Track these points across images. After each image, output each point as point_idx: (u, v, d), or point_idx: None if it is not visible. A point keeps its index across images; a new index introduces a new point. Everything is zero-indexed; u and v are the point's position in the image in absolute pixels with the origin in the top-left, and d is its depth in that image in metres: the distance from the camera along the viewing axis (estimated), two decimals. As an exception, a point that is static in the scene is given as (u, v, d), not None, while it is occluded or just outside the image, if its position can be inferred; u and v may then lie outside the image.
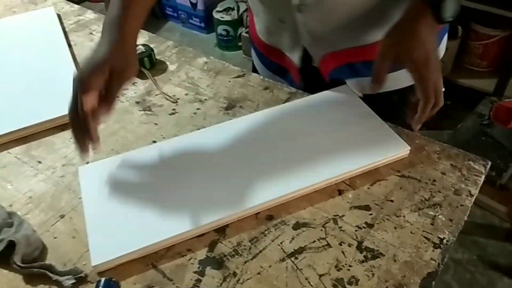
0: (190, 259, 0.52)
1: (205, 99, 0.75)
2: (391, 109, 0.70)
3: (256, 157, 0.61)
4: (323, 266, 0.50)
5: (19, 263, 0.50)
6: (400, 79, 0.69)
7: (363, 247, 0.52)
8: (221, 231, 0.54)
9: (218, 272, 0.50)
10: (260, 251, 0.52)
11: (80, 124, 0.53)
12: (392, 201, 0.57)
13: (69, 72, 0.78)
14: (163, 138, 0.68)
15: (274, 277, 0.50)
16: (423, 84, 0.57)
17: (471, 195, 0.58)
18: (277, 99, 0.74)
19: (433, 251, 0.51)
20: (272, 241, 0.53)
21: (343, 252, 0.52)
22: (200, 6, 2.51)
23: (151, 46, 0.83)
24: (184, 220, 0.54)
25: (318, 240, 0.53)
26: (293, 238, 0.53)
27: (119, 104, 0.73)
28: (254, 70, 0.89)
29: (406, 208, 0.56)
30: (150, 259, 0.52)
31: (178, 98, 0.75)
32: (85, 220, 0.54)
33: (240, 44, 2.42)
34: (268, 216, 0.56)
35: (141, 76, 0.79)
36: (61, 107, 0.70)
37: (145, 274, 0.50)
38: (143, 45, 0.82)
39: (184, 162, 0.61)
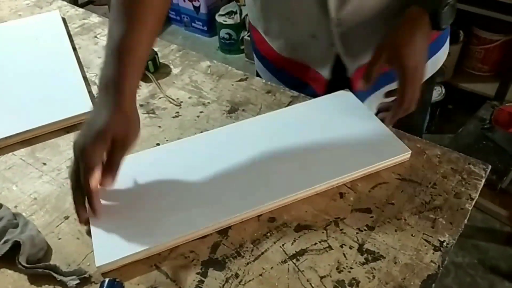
0: (192, 261, 0.52)
1: (208, 103, 0.76)
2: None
3: (258, 160, 0.62)
4: (324, 268, 0.51)
5: (24, 264, 0.51)
6: None
7: (364, 250, 0.53)
8: (224, 233, 0.55)
9: (220, 273, 0.51)
10: (262, 253, 0.53)
11: (81, 191, 0.52)
12: (393, 204, 0.58)
13: (74, 75, 0.80)
14: (167, 140, 0.68)
15: (276, 279, 0.50)
16: (405, 90, 0.61)
17: (471, 199, 0.58)
18: (279, 102, 0.75)
19: (433, 253, 0.52)
20: (274, 243, 0.54)
21: (344, 254, 0.52)
22: (203, 10, 2.53)
23: (155, 49, 0.84)
24: (187, 222, 0.54)
25: (320, 242, 0.54)
26: (294, 240, 0.54)
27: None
28: (257, 75, 0.90)
29: (407, 211, 0.57)
30: (153, 260, 0.52)
31: (181, 101, 0.76)
32: (90, 221, 0.55)
33: (242, 47, 2.43)
34: (270, 218, 0.56)
35: (145, 79, 0.80)
36: (65, 110, 0.71)
37: (148, 275, 0.51)
38: (147, 48, 0.83)
39: (187, 164, 0.62)
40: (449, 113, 1.98)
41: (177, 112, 0.74)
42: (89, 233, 0.55)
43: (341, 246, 0.53)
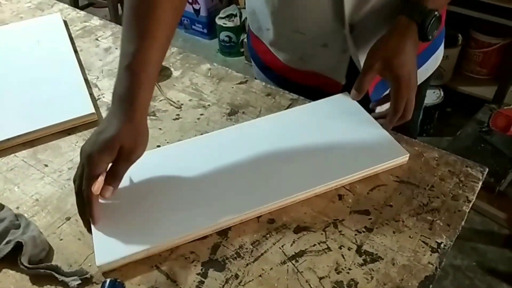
0: (193, 261, 0.53)
1: (209, 105, 0.76)
2: None
3: (258, 161, 0.62)
4: (323, 269, 0.52)
5: (26, 264, 0.51)
6: None
7: (363, 251, 0.53)
8: (224, 234, 0.56)
9: (220, 274, 0.52)
10: (262, 254, 0.53)
11: (84, 197, 0.53)
12: (391, 206, 0.58)
13: (75, 77, 0.80)
14: (167, 142, 0.69)
15: (275, 280, 0.51)
16: (398, 98, 0.63)
17: (469, 201, 0.59)
18: (279, 105, 0.75)
19: (430, 255, 0.53)
20: (274, 244, 0.54)
21: (342, 255, 0.53)
22: (203, 13, 2.54)
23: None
24: (187, 222, 0.55)
25: (319, 243, 0.54)
26: (294, 242, 0.54)
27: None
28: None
29: (405, 213, 0.57)
30: (154, 261, 0.53)
31: (182, 104, 0.77)
32: (91, 221, 0.55)
33: (242, 50, 2.44)
34: (270, 220, 0.57)
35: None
36: (67, 112, 0.72)
37: (149, 276, 0.52)
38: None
39: (188, 165, 0.63)
40: (448, 116, 1.99)
41: (178, 115, 0.74)
42: (90, 233, 0.55)
43: (340, 248, 0.54)
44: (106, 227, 0.55)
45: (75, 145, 0.69)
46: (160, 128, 0.72)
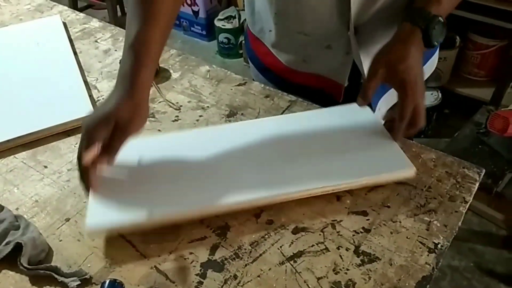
0: (192, 262, 0.53)
1: (208, 107, 0.77)
2: None
3: (263, 156, 0.63)
4: (321, 270, 0.52)
5: (25, 265, 0.51)
6: None
7: (360, 251, 0.54)
8: (223, 235, 0.56)
9: (219, 274, 0.52)
10: (260, 255, 0.54)
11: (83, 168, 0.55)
12: (388, 206, 0.59)
13: (75, 79, 0.81)
14: (166, 144, 0.69)
15: (274, 280, 0.51)
16: (405, 105, 0.61)
17: (466, 202, 0.59)
18: (277, 106, 0.76)
19: (428, 255, 0.53)
20: (272, 245, 0.55)
21: (340, 256, 0.53)
22: (201, 14, 2.55)
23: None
24: (182, 202, 0.57)
25: (317, 244, 0.55)
26: (292, 242, 0.55)
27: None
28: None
29: (402, 213, 0.58)
30: (153, 262, 0.53)
31: (181, 105, 0.77)
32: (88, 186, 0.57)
33: (241, 51, 2.45)
34: (268, 220, 0.57)
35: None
36: (66, 113, 0.72)
37: (148, 276, 0.52)
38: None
39: (194, 151, 0.64)
40: (446, 118, 1.99)
41: (177, 116, 0.75)
42: (90, 235, 0.56)
43: (338, 248, 0.54)
44: (103, 196, 0.57)
45: (75, 146, 0.69)
46: (159, 130, 0.72)
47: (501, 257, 1.49)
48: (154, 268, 0.53)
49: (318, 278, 0.51)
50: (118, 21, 2.27)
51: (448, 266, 1.45)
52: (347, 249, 0.54)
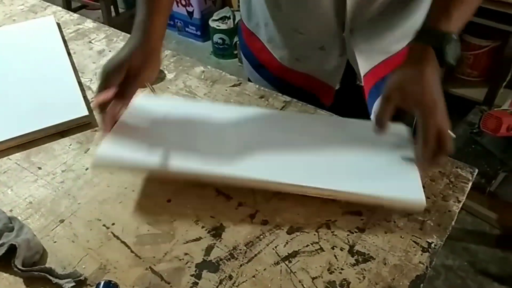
0: (187, 263, 0.53)
1: (202, 107, 0.77)
2: None
3: (273, 142, 0.63)
4: (316, 269, 0.52)
5: (20, 267, 0.51)
6: None
7: (355, 251, 0.54)
8: (218, 235, 0.56)
9: (214, 275, 0.52)
10: (255, 255, 0.54)
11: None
12: (382, 206, 0.59)
13: (69, 80, 0.80)
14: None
15: (269, 280, 0.51)
16: (425, 128, 0.56)
17: (459, 201, 0.60)
18: (272, 107, 0.76)
19: (421, 254, 0.53)
20: (267, 245, 0.55)
21: (335, 255, 0.54)
22: (196, 15, 2.55)
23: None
24: (187, 161, 0.58)
25: (311, 244, 0.55)
26: (287, 242, 0.55)
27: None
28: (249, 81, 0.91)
29: (396, 213, 0.58)
30: (148, 263, 0.53)
31: (175, 106, 0.77)
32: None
33: (235, 52, 2.45)
34: (263, 221, 0.58)
35: (139, 84, 0.81)
36: (60, 114, 0.72)
37: (143, 277, 0.52)
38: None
39: (218, 124, 0.66)
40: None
41: (171, 117, 0.75)
42: (83, 235, 0.56)
43: (332, 248, 0.54)
44: (119, 138, 0.61)
45: (69, 147, 0.69)
46: (154, 131, 0.72)
47: (495, 256, 1.50)
48: (149, 269, 0.53)
49: (313, 278, 0.51)
50: (112, 22, 2.26)
51: (442, 265, 1.46)
52: (341, 249, 0.54)
